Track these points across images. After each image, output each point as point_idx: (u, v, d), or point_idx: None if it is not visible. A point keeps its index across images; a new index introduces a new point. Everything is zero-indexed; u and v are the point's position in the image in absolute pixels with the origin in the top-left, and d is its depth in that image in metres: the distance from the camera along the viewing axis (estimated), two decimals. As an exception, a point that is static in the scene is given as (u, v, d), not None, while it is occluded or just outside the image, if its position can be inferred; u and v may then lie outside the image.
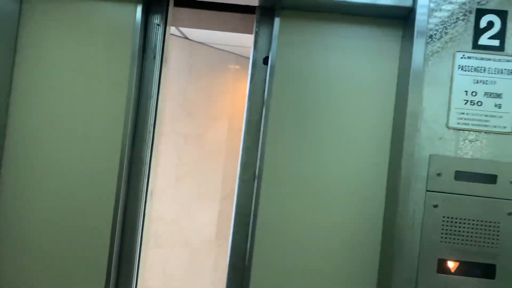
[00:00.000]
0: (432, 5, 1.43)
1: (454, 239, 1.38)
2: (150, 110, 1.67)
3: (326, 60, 1.61)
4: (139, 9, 1.59)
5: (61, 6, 1.63)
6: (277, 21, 1.59)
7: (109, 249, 1.57)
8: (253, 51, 1.65)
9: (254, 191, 1.58)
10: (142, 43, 1.64)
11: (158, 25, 1.66)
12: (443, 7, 1.43)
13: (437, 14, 1.43)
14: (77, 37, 1.63)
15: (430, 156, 1.40)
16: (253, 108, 1.63)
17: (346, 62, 1.60)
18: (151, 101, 1.67)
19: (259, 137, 1.60)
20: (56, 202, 1.61)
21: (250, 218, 1.58)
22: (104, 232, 1.58)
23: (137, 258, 1.67)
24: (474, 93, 1.41)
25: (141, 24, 1.60)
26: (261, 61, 1.63)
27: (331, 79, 1.60)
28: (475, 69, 1.41)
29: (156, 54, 1.67)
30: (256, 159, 1.59)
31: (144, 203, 1.68)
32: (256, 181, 1.58)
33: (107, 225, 1.58)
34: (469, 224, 1.38)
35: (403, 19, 1.57)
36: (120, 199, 1.58)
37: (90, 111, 1.62)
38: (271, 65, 1.58)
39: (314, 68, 1.61)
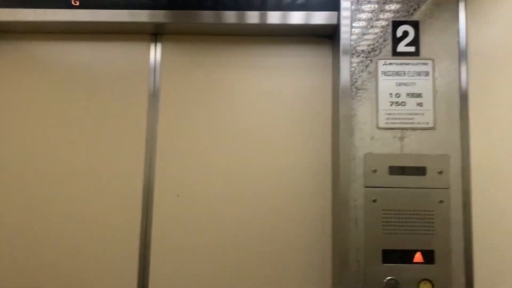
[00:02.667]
0: (355, 24, 1.60)
1: (395, 229, 1.48)
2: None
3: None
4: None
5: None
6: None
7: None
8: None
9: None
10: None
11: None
12: (363, 22, 1.60)
13: (359, 28, 1.60)
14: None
15: (365, 155, 1.52)
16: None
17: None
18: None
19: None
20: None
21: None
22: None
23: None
24: (397, 95, 1.55)
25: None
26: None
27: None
28: (397, 73, 1.56)
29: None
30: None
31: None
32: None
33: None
34: (406, 214, 1.48)
35: (331, 36, 1.73)
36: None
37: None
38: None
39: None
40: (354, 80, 1.57)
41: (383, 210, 1.49)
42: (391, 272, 1.46)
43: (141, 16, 1.65)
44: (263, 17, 1.66)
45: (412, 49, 1.57)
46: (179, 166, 1.71)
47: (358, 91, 1.57)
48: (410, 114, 1.54)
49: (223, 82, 1.75)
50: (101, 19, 1.64)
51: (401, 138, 1.53)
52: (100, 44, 1.78)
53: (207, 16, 1.66)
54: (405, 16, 1.59)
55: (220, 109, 1.74)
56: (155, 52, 1.76)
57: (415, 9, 1.59)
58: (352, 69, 1.57)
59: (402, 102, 1.55)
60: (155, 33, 1.77)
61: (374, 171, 1.51)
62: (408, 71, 1.56)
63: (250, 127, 1.72)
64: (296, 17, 1.65)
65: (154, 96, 1.74)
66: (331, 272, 1.63)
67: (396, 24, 1.59)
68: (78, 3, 1.62)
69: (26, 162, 1.72)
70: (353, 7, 1.61)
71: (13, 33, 1.78)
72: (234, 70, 1.76)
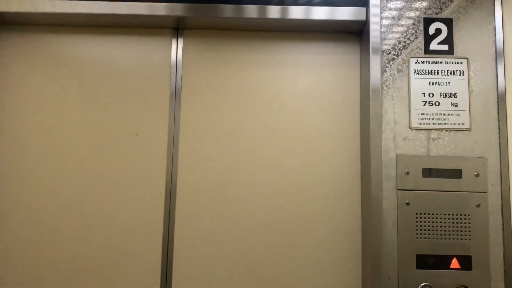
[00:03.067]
0: (384, 21, 1.54)
1: (429, 234, 1.42)
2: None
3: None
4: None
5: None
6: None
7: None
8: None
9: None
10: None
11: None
12: (393, 19, 1.54)
13: (389, 25, 1.54)
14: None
15: (397, 156, 1.46)
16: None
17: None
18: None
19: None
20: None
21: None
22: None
23: None
24: (431, 94, 1.50)
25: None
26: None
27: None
28: (429, 72, 1.51)
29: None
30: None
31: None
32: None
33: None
34: (441, 218, 1.43)
35: (359, 32, 1.67)
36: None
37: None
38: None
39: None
40: (385, 78, 1.51)
41: (416, 213, 1.44)
42: (425, 278, 1.40)
43: (161, 9, 1.58)
44: (286, 11, 1.59)
45: (445, 47, 1.52)
46: (202, 165, 1.63)
47: (389, 90, 1.51)
48: (445, 114, 1.48)
49: (245, 79, 1.68)
50: (121, 11, 1.56)
51: (435, 139, 1.48)
52: (120, 38, 1.69)
53: (228, 10, 1.59)
54: (437, 14, 1.54)
55: (242, 106, 1.66)
56: (177, 48, 1.69)
57: (447, 6, 1.54)
58: (382, 67, 1.52)
59: (436, 102, 1.49)
60: (177, 28, 1.69)
61: (407, 173, 1.45)
62: (442, 70, 1.51)
63: (273, 125, 1.65)
64: (322, 13, 1.59)
65: (176, 93, 1.67)
66: (361, 277, 1.57)
67: (428, 21, 1.54)
68: (100, -6, 1.54)
69: (43, 161, 1.63)
70: (382, 3, 1.55)
71: (29, 25, 1.69)
72: (256, 67, 1.69)
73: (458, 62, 1.50)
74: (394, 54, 1.53)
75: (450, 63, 1.51)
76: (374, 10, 1.55)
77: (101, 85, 1.67)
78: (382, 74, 1.51)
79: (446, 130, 1.47)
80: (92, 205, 1.62)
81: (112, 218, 1.61)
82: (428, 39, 1.53)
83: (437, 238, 1.42)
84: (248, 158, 1.64)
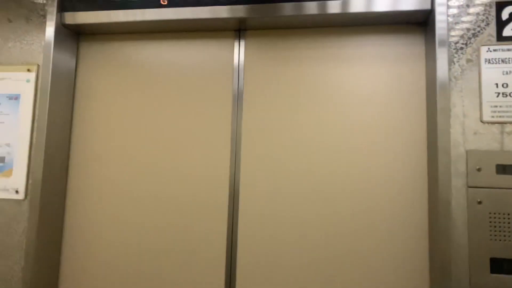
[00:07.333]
0: (451, 9, 1.45)
1: (505, 236, 1.31)
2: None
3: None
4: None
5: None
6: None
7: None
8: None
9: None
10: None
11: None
12: (462, 6, 1.45)
13: (456, 13, 1.45)
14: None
15: (467, 151, 1.37)
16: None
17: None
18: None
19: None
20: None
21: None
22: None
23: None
24: (505, 85, 1.38)
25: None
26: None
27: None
28: (503, 61, 1.39)
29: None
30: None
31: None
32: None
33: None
34: (519, 219, 1.31)
35: (423, 23, 1.60)
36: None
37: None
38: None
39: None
40: (452, 70, 1.43)
41: (490, 213, 1.33)
42: (501, 284, 1.30)
43: (223, 12, 1.63)
44: (346, 5, 1.55)
45: (521, 32, 1.40)
46: (264, 165, 1.66)
47: (457, 82, 1.42)
48: (521, 106, 1.36)
49: (306, 77, 1.68)
50: (185, 16, 1.64)
51: (511, 133, 1.36)
52: (185, 43, 1.79)
53: (288, 8, 1.60)
54: (511, -3, 1.42)
55: (304, 104, 1.66)
56: (239, 49, 1.74)
57: (523, -11, 1.42)
58: (450, 58, 1.43)
59: (511, 93, 1.38)
60: (238, 29, 1.74)
61: (479, 169, 1.36)
62: (518, 58, 1.39)
63: (336, 123, 1.63)
64: (384, 4, 1.53)
65: (238, 94, 1.72)
66: (428, 281, 1.49)
67: (500, 6, 1.43)
68: (166, 2, 1.64)
69: (113, 161, 1.77)
70: (448, -10, 1.47)
71: (104, 35, 1.86)
72: (317, 64, 1.68)
73: (537, 48, 1.37)
74: (462, 43, 1.43)
75: (527, 49, 1.38)
76: (439, -2, 1.47)
77: (168, 89, 1.77)
78: (449, 65, 1.43)
79: (523, 123, 1.36)
80: (158, 206, 1.72)
81: (178, 218, 1.70)
82: (501, 25, 1.42)
83: (514, 240, 1.31)
84: (310, 157, 1.63)
